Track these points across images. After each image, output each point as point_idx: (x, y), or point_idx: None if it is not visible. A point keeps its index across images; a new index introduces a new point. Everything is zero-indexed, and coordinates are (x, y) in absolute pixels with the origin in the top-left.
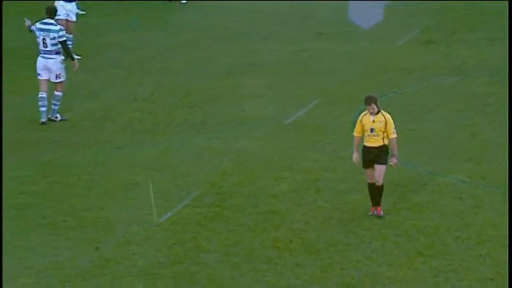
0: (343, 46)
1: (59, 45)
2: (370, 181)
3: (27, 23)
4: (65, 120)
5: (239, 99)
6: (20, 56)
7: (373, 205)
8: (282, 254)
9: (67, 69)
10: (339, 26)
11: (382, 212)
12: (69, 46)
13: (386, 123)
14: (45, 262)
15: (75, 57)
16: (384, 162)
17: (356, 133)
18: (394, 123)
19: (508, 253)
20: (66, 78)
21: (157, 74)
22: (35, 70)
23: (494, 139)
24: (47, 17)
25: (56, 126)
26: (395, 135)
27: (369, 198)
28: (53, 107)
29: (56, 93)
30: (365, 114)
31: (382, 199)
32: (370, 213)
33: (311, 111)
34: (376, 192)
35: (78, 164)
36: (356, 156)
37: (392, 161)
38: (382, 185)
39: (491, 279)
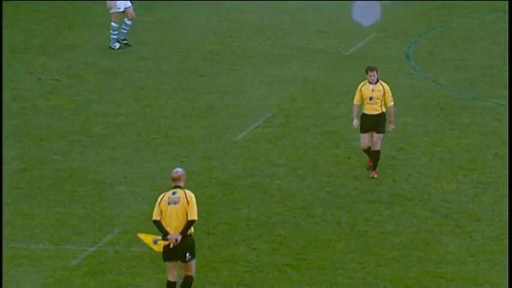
0: None
1: None
2: (363, 147)
3: None
4: (119, 49)
5: (305, 33)
6: None
7: (370, 157)
8: (341, 168)
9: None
10: None
11: (376, 175)
12: None
13: (384, 92)
14: (138, 173)
15: None
16: (382, 131)
17: (356, 102)
18: (392, 92)
19: None
20: (116, 11)
21: (233, 12)
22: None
23: None
24: None
25: (147, 56)
26: (392, 103)
27: (420, 120)
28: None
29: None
30: (364, 84)
31: (429, 121)
32: (368, 167)
33: (368, 44)
34: (373, 157)
35: (166, 89)
36: (356, 122)
37: (390, 127)
38: (379, 150)
39: None
